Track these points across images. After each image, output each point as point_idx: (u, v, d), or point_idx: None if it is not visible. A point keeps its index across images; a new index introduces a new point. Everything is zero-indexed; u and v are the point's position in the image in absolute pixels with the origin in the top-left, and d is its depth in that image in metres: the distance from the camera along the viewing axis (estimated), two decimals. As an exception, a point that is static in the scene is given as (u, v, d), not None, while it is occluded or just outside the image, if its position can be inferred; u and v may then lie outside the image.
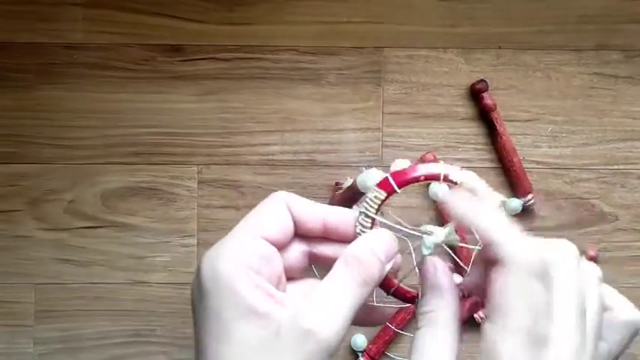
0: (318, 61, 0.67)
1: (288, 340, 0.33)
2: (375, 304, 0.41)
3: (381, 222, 0.41)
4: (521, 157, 0.66)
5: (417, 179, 0.43)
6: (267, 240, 0.36)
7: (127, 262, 0.66)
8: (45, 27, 0.67)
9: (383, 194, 0.42)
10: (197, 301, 0.35)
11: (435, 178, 0.42)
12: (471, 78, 0.67)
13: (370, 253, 0.36)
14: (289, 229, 0.38)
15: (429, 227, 0.41)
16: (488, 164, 0.66)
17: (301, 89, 0.67)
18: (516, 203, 0.63)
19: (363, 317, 0.37)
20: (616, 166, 0.66)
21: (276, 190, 0.64)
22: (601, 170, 0.66)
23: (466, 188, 0.37)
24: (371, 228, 0.40)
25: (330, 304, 0.34)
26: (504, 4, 0.67)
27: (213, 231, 0.66)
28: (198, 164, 0.66)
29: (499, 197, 0.38)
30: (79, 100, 0.66)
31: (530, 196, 0.64)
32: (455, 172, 0.39)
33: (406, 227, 0.41)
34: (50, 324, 0.66)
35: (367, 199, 0.41)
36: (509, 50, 0.67)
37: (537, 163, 0.66)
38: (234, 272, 0.34)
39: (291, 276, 0.39)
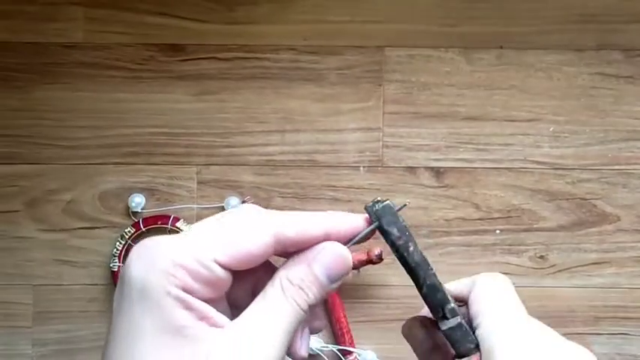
0: (319, 60, 0.66)
1: None
2: None
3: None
4: (523, 157, 0.66)
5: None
6: (220, 265, 0.30)
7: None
8: (45, 26, 0.67)
9: None
10: (119, 300, 0.29)
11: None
12: (472, 77, 0.67)
13: (309, 271, 0.31)
14: (257, 259, 0.31)
15: None
16: (489, 164, 0.66)
17: (302, 89, 0.66)
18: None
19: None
20: (618, 167, 0.66)
21: (276, 191, 0.63)
22: (603, 170, 0.66)
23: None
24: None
25: (263, 332, 0.29)
26: (506, 3, 0.67)
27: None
28: (197, 164, 0.66)
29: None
30: (80, 100, 0.66)
31: None
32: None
33: None
34: (48, 325, 0.65)
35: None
36: (511, 50, 0.66)
37: (538, 163, 0.66)
38: (166, 289, 0.28)
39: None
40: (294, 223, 0.31)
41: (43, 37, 0.67)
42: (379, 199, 0.32)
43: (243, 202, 0.65)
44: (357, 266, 0.63)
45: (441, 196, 0.66)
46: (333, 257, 0.31)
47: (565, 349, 0.31)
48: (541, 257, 0.65)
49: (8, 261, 0.66)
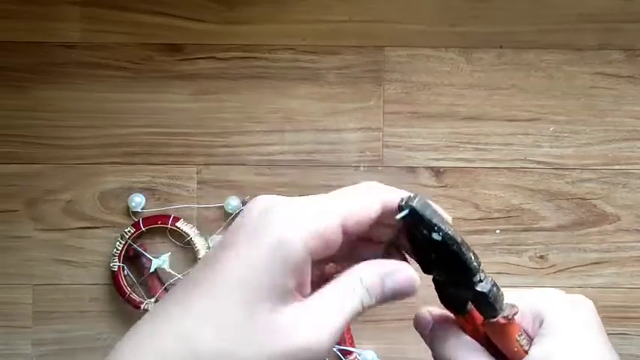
0: (318, 60, 0.66)
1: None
2: None
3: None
4: (523, 157, 0.66)
5: None
6: (343, 232, 0.32)
7: (126, 263, 0.66)
8: (43, 26, 0.66)
9: None
10: (238, 234, 0.31)
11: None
12: (472, 77, 0.66)
13: (380, 281, 0.34)
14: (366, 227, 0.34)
15: None
16: (489, 164, 0.66)
17: (301, 89, 0.66)
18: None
19: None
20: (618, 167, 0.66)
21: (276, 191, 0.63)
22: (603, 170, 0.66)
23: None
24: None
25: (331, 314, 0.32)
26: (506, 3, 0.66)
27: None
28: (197, 164, 0.66)
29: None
30: (77, 100, 0.66)
31: None
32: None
33: None
34: (48, 325, 0.65)
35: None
36: (511, 49, 0.66)
37: (539, 163, 0.66)
38: (302, 252, 0.31)
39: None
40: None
41: (41, 37, 0.66)
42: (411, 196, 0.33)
43: (243, 202, 0.64)
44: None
45: (441, 195, 0.66)
46: (405, 280, 0.34)
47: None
48: (541, 257, 0.65)
49: (8, 261, 0.66)
